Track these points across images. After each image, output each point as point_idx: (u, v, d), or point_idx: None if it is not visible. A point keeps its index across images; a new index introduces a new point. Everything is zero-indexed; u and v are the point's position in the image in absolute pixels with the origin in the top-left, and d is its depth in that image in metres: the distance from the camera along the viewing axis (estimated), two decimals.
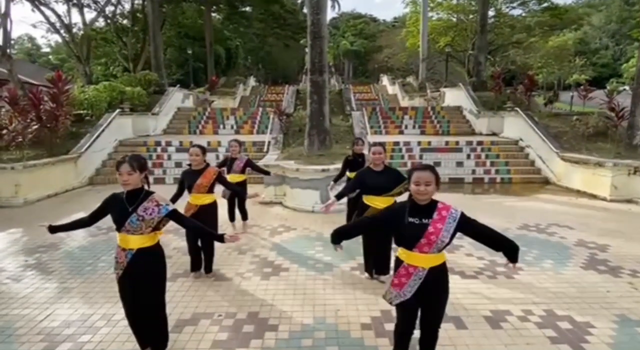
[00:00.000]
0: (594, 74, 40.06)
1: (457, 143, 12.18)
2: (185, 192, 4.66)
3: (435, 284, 2.57)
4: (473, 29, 23.90)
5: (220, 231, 4.52)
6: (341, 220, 6.98)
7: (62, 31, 21.08)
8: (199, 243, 4.68)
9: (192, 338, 3.44)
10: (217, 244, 4.86)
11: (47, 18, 20.96)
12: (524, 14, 27.17)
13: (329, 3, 11.88)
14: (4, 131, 9.53)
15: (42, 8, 20.26)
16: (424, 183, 2.44)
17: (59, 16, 20.63)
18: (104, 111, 13.14)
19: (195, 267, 4.72)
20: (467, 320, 3.69)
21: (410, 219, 2.50)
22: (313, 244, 5.93)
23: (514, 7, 26.44)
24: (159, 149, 12.31)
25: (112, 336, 3.46)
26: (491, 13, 23.97)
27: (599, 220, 7.10)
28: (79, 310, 3.92)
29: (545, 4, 25.47)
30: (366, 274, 4.69)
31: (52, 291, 4.37)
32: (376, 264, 4.52)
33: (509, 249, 2.70)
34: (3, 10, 12.73)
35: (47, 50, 53.20)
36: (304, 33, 23.03)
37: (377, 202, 4.30)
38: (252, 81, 29.22)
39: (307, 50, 10.62)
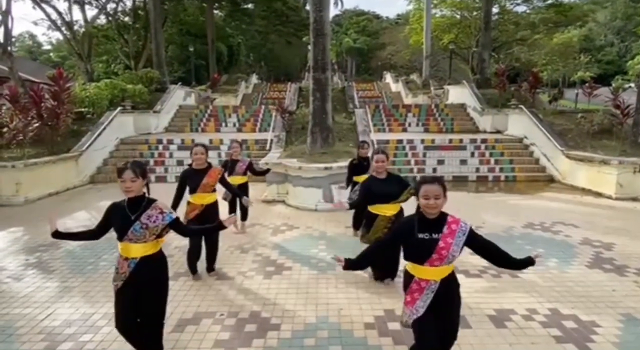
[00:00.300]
0: (599, 71, 39.84)
1: (461, 141, 12.12)
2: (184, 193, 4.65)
3: (449, 294, 2.53)
4: (477, 26, 23.77)
5: (220, 232, 4.50)
6: (346, 219, 6.97)
7: (63, 28, 21.11)
8: (203, 242, 4.65)
9: (194, 337, 3.42)
10: (219, 243, 4.86)
11: (48, 15, 20.98)
12: (528, 11, 27.01)
13: (332, 0, 11.80)
14: (5, 129, 9.53)
15: (44, 5, 20.28)
16: (434, 196, 2.38)
17: (60, 13, 20.69)
18: (105, 109, 13.12)
19: (195, 270, 4.67)
20: (471, 319, 3.66)
21: (420, 235, 2.42)
22: (316, 243, 5.91)
23: (518, 4, 26.27)
24: (160, 147, 12.30)
25: (114, 335, 3.42)
26: (495, 10, 23.80)
27: (604, 219, 7.06)
28: (80, 310, 3.91)
29: (550, 1, 25.29)
30: (369, 273, 4.63)
31: (53, 290, 4.36)
32: (386, 269, 4.45)
33: (512, 265, 2.70)
34: (4, 7, 12.75)
35: (48, 47, 53.22)
36: (306, 30, 22.93)
37: (385, 210, 4.30)
38: (254, 79, 29.14)
39: (309, 47, 10.57)
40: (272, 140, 12.12)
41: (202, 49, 29.14)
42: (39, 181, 9.00)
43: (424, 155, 11.66)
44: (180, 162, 11.45)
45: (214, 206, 4.71)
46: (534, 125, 11.88)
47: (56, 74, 11.09)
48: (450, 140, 12.18)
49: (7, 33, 12.86)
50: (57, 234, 2.93)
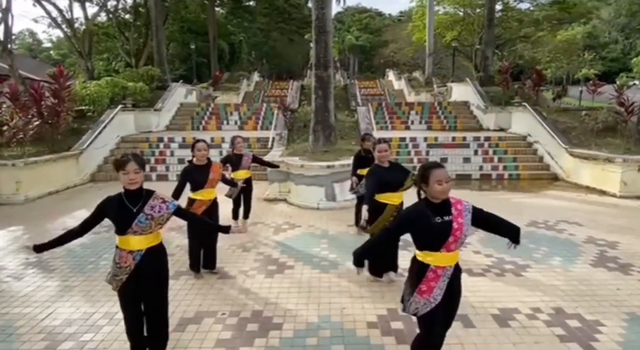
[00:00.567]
0: (603, 68, 39.55)
1: (464, 139, 12.08)
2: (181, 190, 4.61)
3: (457, 281, 2.60)
4: (480, 23, 23.65)
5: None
6: (347, 217, 6.97)
7: (63, 26, 21.03)
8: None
9: (195, 337, 3.41)
10: (220, 242, 4.85)
11: (48, 13, 21.05)
12: (531, 8, 26.86)
13: None
14: (5, 127, 9.49)
15: (44, 2, 20.26)
16: (445, 180, 2.43)
17: (60, 11, 20.62)
18: (106, 107, 13.08)
19: (198, 269, 4.66)
20: (474, 318, 3.65)
21: (437, 219, 2.45)
22: (318, 242, 5.88)
23: (521, 1, 26.15)
24: (161, 145, 12.27)
25: (115, 335, 3.44)
26: (498, 7, 23.67)
27: (609, 217, 7.02)
28: (81, 309, 3.90)
29: None
30: (367, 274, 4.51)
31: (53, 289, 4.35)
32: (386, 263, 4.42)
33: (513, 232, 2.77)
34: (4, 5, 12.71)
35: (49, 45, 53.27)
36: (308, 27, 22.90)
37: (394, 199, 4.28)
38: (256, 76, 29.09)
39: (311, 45, 10.51)
40: (274, 138, 12.09)
41: (204, 47, 29.08)
42: (39, 180, 8.99)
43: (427, 153, 11.64)
44: (181, 161, 11.43)
45: (216, 202, 4.78)
46: (538, 123, 11.81)
47: (56, 71, 11.03)
48: (454, 138, 12.13)
49: (7, 30, 12.83)
50: (39, 248, 2.75)
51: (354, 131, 13.02)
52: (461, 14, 26.86)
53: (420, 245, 2.53)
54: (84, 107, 12.88)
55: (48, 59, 44.74)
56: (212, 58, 27.24)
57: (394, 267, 4.46)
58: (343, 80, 33.93)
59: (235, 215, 6.35)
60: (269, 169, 8.60)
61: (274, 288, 4.34)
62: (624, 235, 5.98)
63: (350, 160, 7.90)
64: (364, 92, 22.55)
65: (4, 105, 10.57)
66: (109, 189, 8.97)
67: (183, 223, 6.02)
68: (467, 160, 11.42)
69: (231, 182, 5.45)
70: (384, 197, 4.28)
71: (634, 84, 17.91)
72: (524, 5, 26.56)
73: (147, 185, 2.82)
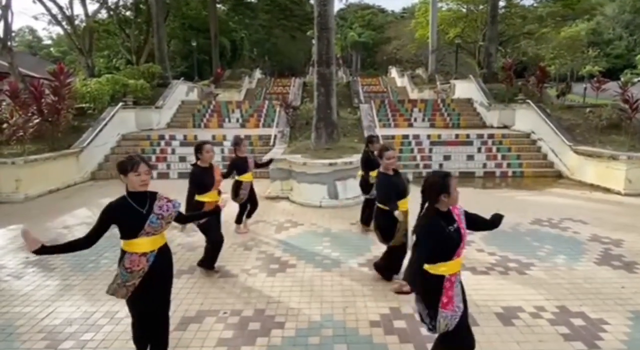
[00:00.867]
0: (608, 65, 39.29)
1: (467, 136, 11.99)
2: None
3: (461, 282, 2.62)
4: (483, 20, 23.49)
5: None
6: (350, 215, 6.96)
7: (64, 23, 20.94)
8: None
9: (197, 336, 3.40)
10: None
11: (48, 10, 20.86)
12: (535, 4, 26.71)
13: None
14: (5, 125, 9.45)
15: None
16: (456, 189, 2.49)
17: (60, 8, 20.48)
18: (107, 104, 13.03)
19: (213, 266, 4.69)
20: (478, 317, 3.64)
21: (450, 228, 2.47)
22: (320, 240, 5.86)
23: None
24: (162, 143, 12.22)
25: (115, 334, 3.43)
26: (502, 3, 23.55)
27: (613, 215, 6.99)
28: (81, 308, 3.89)
29: None
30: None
31: (53, 288, 4.34)
32: (395, 266, 4.39)
33: (496, 223, 2.79)
34: (4, 1, 12.69)
35: (49, 42, 53.13)
36: (310, 24, 22.84)
37: (404, 205, 4.23)
38: (257, 73, 29.00)
39: (314, 41, 10.45)
40: (276, 135, 12.04)
41: (205, 44, 29.01)
42: (39, 178, 8.95)
43: (430, 150, 11.55)
44: (182, 159, 11.40)
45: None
46: (542, 120, 11.74)
47: (57, 69, 10.99)
48: (457, 136, 12.05)
49: (7, 28, 12.81)
50: (42, 250, 2.44)
51: (356, 128, 12.97)
52: (464, 10, 26.72)
53: (434, 258, 2.47)
54: (84, 105, 12.85)
55: (48, 56, 44.67)
56: (214, 55, 27.17)
57: (398, 269, 4.42)
58: (345, 77, 33.87)
59: (240, 220, 6.22)
60: (270, 167, 8.60)
61: (276, 287, 4.33)
62: (628, 233, 5.95)
63: (352, 158, 7.91)
64: (367, 89, 22.47)
65: (4, 103, 10.52)
66: (110, 187, 8.95)
67: None
68: (470, 157, 11.35)
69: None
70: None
71: (639, 81, 17.76)
72: (527, 2, 26.60)
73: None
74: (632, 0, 45.72)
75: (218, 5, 30.53)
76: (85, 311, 3.82)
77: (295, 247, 5.56)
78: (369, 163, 5.91)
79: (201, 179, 4.51)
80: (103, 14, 25.40)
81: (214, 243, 4.58)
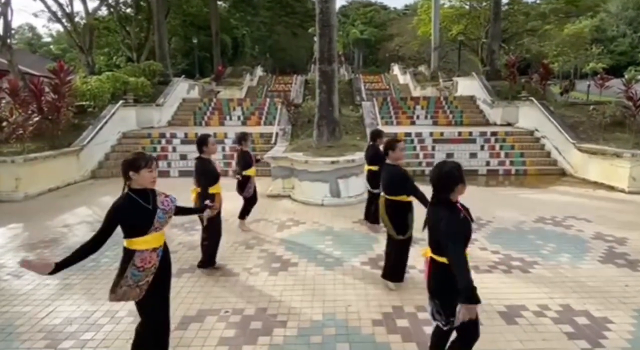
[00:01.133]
0: (611, 62, 39.18)
1: (470, 134, 11.96)
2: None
3: None
4: (486, 17, 23.35)
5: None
6: (352, 213, 6.93)
7: (63, 20, 20.87)
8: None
9: (198, 335, 3.38)
10: (223, 239, 4.81)
11: (48, 7, 20.83)
12: (538, 1, 26.59)
13: None
14: (4, 123, 9.42)
15: None
16: None
17: (60, 5, 20.39)
18: (107, 102, 12.98)
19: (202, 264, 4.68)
20: (481, 315, 3.57)
21: (468, 218, 2.49)
22: (322, 238, 5.82)
23: None
24: (163, 141, 12.18)
25: (116, 333, 3.41)
26: (505, 0, 23.38)
27: (617, 213, 6.95)
28: (82, 307, 3.87)
29: None
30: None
31: (53, 288, 4.31)
32: (394, 272, 4.26)
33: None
34: None
35: (49, 40, 53.20)
36: (312, 21, 22.67)
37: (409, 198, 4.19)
38: (259, 71, 28.94)
39: (315, 39, 10.39)
40: (277, 133, 12.00)
41: (206, 41, 28.98)
42: (39, 176, 8.91)
43: (433, 148, 11.53)
44: (183, 156, 11.37)
45: None
46: (545, 118, 11.69)
47: (57, 66, 10.96)
48: (460, 133, 12.02)
49: (7, 25, 12.74)
50: (56, 269, 2.44)
51: (358, 126, 12.92)
52: (467, 7, 26.61)
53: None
54: (84, 103, 12.79)
55: (48, 53, 44.66)
56: (215, 52, 27.15)
57: (402, 276, 4.36)
58: (347, 75, 33.73)
59: (246, 215, 6.22)
60: (272, 165, 8.64)
61: (278, 285, 4.30)
62: (632, 231, 5.91)
63: (354, 156, 7.88)
64: (369, 86, 22.43)
65: (4, 101, 10.45)
66: (110, 185, 8.93)
67: (184, 220, 6.06)
68: (473, 155, 11.32)
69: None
70: (407, 197, 4.15)
71: None
72: None
73: None
74: None
75: (219, 2, 30.54)
76: (85, 310, 3.80)
77: (297, 245, 5.53)
78: (380, 157, 5.85)
79: (213, 170, 4.52)
80: (103, 11, 25.41)
81: (217, 238, 4.61)
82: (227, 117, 15.14)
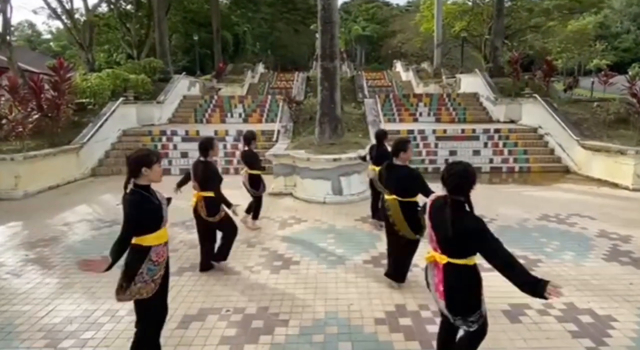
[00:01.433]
0: (615, 58, 39.02)
1: (473, 131, 11.90)
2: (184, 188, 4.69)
3: None
4: (489, 13, 23.27)
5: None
6: (354, 211, 6.91)
7: (63, 17, 20.79)
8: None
9: (199, 334, 3.36)
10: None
11: (48, 3, 20.81)
12: None
13: None
14: (4, 121, 9.35)
15: None
16: None
17: (60, 1, 20.27)
18: (107, 100, 12.93)
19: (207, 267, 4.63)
20: None
21: None
22: (325, 237, 5.80)
23: None
24: (164, 138, 12.13)
25: (116, 332, 3.39)
26: None
27: (622, 210, 6.91)
28: (82, 306, 3.85)
29: None
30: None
31: (53, 286, 4.30)
32: (402, 273, 4.22)
33: None
34: None
35: (48, 36, 53.19)
36: (314, 18, 22.55)
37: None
38: (260, 68, 28.86)
39: (317, 35, 10.32)
40: (279, 131, 11.97)
41: (207, 38, 28.89)
42: (39, 174, 8.88)
43: (436, 145, 11.48)
44: (184, 154, 11.34)
45: None
46: (549, 115, 11.62)
47: (56, 63, 10.88)
48: (463, 131, 11.95)
49: (6, 22, 12.68)
50: (111, 265, 2.60)
51: (361, 123, 12.87)
52: (470, 3, 26.51)
53: (473, 250, 2.42)
54: (84, 100, 12.76)
55: (48, 50, 44.63)
56: (216, 49, 27.06)
57: (404, 277, 4.31)
58: (350, 72, 33.69)
59: (258, 214, 6.30)
60: (273, 163, 8.58)
61: (280, 284, 4.28)
62: (637, 228, 5.87)
63: (356, 154, 7.80)
64: (371, 83, 22.36)
65: (3, 98, 10.37)
66: (111, 183, 8.91)
67: (185, 218, 6.01)
68: (476, 153, 11.26)
69: None
70: (416, 197, 4.09)
71: None
72: None
73: None
74: None
75: None
76: (85, 309, 3.78)
77: (299, 243, 5.51)
78: (387, 157, 5.80)
79: (218, 171, 4.52)
80: (103, 8, 25.30)
81: (235, 235, 4.64)
82: (228, 115, 15.08)
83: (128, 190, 2.63)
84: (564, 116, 11.36)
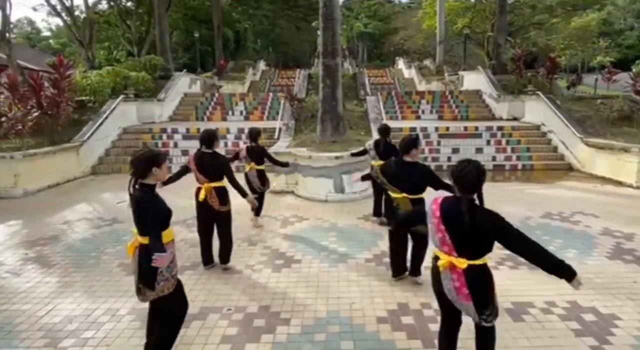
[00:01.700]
0: (619, 55, 38.78)
1: (476, 128, 11.82)
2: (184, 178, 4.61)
3: None
4: (492, 10, 23.05)
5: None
6: (356, 209, 6.88)
7: (63, 14, 20.76)
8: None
9: (201, 333, 3.35)
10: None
11: (47, 1, 20.74)
12: None
13: None
14: (3, 119, 9.30)
15: None
16: None
17: None
18: (108, 97, 12.90)
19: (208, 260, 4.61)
20: None
21: None
22: (326, 235, 5.78)
23: None
24: (164, 136, 12.11)
25: (117, 332, 3.38)
26: None
27: (625, 208, 6.87)
28: (82, 305, 3.83)
29: None
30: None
31: (53, 285, 4.28)
32: (418, 267, 4.19)
33: None
34: None
35: (48, 34, 53.06)
36: (315, 15, 22.43)
37: None
38: (262, 65, 28.74)
39: (319, 32, 10.27)
40: (280, 128, 11.94)
41: (208, 35, 28.80)
42: (39, 172, 8.85)
43: (438, 143, 11.42)
44: (185, 152, 11.31)
45: None
46: (552, 112, 11.54)
47: (56, 61, 10.88)
48: (465, 128, 11.88)
49: (5, 19, 12.61)
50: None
51: (363, 121, 12.84)
52: (472, 0, 26.29)
53: (490, 247, 2.42)
54: (84, 98, 12.75)
55: (47, 48, 44.47)
56: (217, 46, 26.94)
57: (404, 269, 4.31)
58: (351, 69, 33.56)
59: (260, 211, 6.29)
60: None
61: (281, 283, 4.26)
62: None
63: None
64: (373, 80, 22.27)
65: (2, 96, 10.37)
66: (111, 181, 8.86)
67: (187, 217, 6.00)
68: (479, 150, 11.20)
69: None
70: (423, 193, 4.04)
71: None
72: None
73: None
74: None
75: None
76: (85, 308, 3.76)
77: (301, 242, 5.49)
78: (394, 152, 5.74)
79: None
80: (103, 5, 25.24)
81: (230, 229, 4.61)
82: (230, 112, 15.04)
83: (135, 190, 2.62)
84: (567, 113, 11.29)
